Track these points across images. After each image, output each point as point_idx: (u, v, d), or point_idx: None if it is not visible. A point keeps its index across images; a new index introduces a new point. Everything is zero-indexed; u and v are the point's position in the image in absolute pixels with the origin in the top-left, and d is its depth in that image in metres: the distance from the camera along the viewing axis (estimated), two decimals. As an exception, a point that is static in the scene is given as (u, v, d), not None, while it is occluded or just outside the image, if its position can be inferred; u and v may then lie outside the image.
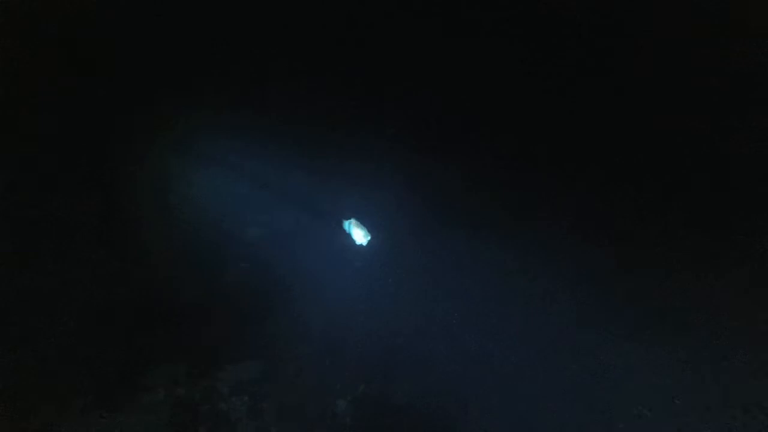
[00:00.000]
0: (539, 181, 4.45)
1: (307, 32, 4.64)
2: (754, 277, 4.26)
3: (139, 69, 4.58)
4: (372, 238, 4.28)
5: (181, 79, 4.64)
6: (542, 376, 4.03)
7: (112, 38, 4.53)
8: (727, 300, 4.22)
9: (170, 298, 4.18)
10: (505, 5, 4.56)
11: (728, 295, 4.23)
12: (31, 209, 4.21)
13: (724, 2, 4.42)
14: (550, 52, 4.54)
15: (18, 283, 4.06)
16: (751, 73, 4.44)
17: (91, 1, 4.48)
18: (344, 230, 4.34)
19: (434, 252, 4.42)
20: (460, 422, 3.90)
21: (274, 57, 4.68)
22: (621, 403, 3.94)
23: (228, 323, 4.18)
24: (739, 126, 4.41)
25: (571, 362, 4.08)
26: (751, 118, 4.40)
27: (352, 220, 4.31)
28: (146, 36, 4.57)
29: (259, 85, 4.64)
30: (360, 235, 4.31)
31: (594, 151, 4.50)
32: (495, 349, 4.12)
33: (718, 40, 4.46)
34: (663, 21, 4.50)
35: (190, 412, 3.84)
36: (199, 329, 4.12)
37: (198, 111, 4.53)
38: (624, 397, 3.96)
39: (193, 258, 4.33)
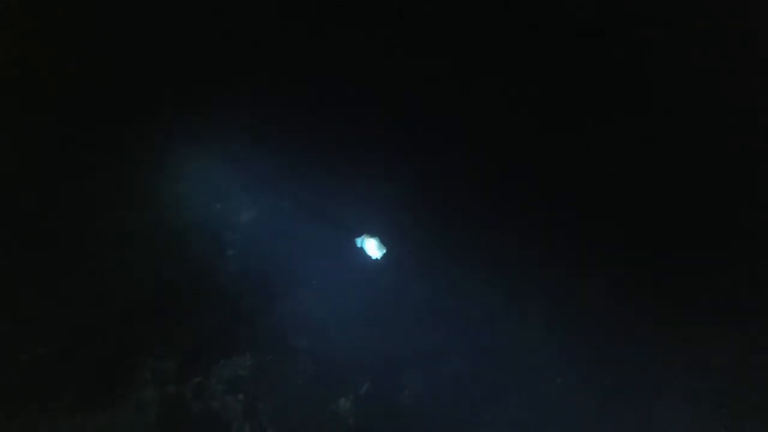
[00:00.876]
0: (551, 188, 4.20)
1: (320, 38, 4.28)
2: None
3: (140, 56, 4.22)
4: (387, 249, 4.02)
5: (184, 73, 4.27)
6: (559, 377, 3.81)
7: (112, 27, 4.19)
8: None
9: (159, 289, 3.86)
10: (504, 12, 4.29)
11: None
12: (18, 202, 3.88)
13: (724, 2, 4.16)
14: (551, 59, 4.29)
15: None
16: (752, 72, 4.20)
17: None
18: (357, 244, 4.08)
19: (449, 252, 4.11)
20: (471, 424, 3.70)
21: (281, 56, 4.33)
22: (639, 405, 3.76)
23: (221, 315, 3.88)
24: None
25: (589, 363, 3.85)
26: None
27: (365, 236, 4.03)
28: (145, 22, 4.22)
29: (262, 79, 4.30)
30: (374, 249, 4.02)
31: (600, 152, 4.25)
32: (510, 350, 3.87)
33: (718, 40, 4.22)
34: (662, 23, 4.29)
35: (182, 411, 3.61)
36: (190, 322, 3.83)
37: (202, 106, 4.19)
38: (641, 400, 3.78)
39: (184, 247, 4.00)
